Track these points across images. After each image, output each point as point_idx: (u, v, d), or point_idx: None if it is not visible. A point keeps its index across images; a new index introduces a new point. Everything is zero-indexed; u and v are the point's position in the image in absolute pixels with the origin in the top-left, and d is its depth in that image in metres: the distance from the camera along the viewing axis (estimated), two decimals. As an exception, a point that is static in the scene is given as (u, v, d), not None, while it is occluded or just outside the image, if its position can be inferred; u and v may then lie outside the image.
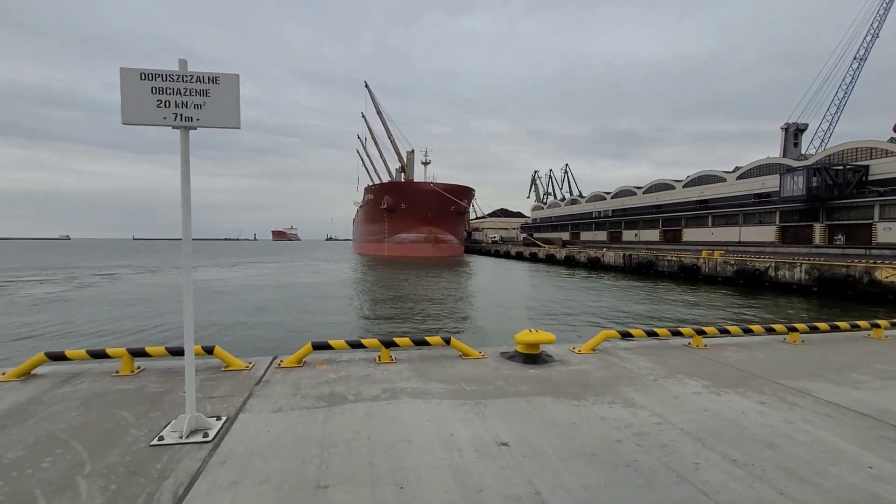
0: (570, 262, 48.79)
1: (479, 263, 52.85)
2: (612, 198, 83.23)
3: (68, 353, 3.89)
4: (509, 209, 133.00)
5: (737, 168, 58.26)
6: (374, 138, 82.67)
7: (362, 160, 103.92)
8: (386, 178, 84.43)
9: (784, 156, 57.32)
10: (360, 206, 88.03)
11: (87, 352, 3.93)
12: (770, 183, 50.61)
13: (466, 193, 72.17)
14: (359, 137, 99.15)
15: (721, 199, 58.09)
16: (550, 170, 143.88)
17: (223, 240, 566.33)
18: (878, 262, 23.58)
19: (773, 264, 25.21)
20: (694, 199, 62.61)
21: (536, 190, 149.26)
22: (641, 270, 36.79)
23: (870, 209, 40.96)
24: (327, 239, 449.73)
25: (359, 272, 39.05)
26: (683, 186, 65.35)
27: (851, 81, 60.43)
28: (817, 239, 44.74)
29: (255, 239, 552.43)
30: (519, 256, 63.23)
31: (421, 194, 65.54)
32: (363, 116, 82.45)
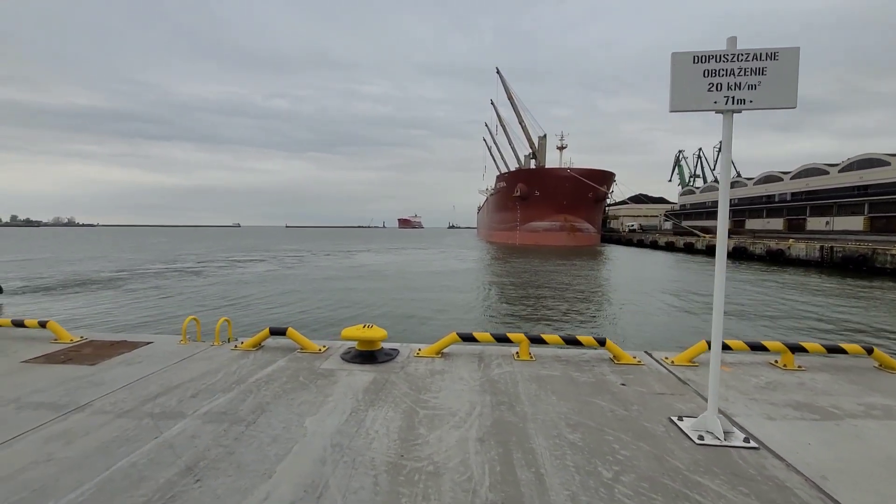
0: (739, 255, 42.54)
1: (623, 254, 49.33)
2: (791, 178, 69.98)
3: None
4: (649, 194, 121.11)
5: None
6: (503, 125, 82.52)
7: (489, 148, 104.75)
8: (514, 166, 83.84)
9: None
10: (491, 194, 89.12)
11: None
12: None
13: (606, 178, 67.80)
14: (486, 126, 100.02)
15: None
16: (700, 149, 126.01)
17: (356, 227, 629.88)
18: None
19: None
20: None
21: (681, 172, 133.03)
22: (849, 266, 30.29)
23: None
24: (449, 227, 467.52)
25: (499, 260, 39.62)
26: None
27: None
28: None
29: (383, 227, 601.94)
30: (669, 247, 57.35)
31: (556, 180, 63.58)
32: (492, 104, 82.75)
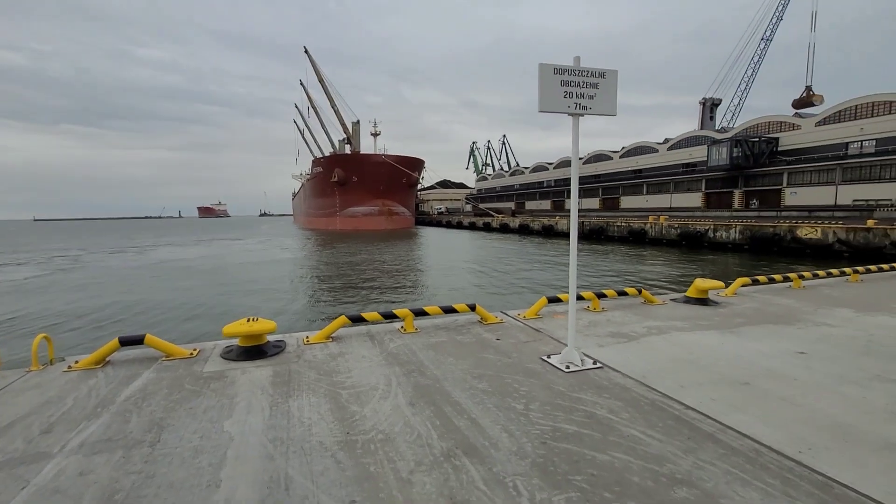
0: (523, 231, 51.30)
1: (435, 235, 53.78)
2: (554, 168, 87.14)
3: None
4: (452, 180, 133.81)
5: (667, 140, 63.48)
6: (314, 108, 78.71)
7: (301, 132, 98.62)
8: (329, 150, 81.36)
9: (701, 128, 63.51)
10: (307, 179, 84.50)
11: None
12: (697, 153, 56.07)
13: (417, 165, 71.99)
14: (297, 107, 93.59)
15: (654, 168, 63.34)
16: (489, 141, 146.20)
17: (144, 218, 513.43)
18: (799, 221, 27.97)
19: (711, 227, 28.84)
20: (630, 168, 67.59)
21: (475, 161, 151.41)
22: (593, 236, 39.93)
23: (779, 176, 47.19)
24: (261, 214, 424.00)
25: (324, 246, 38.39)
26: (620, 157, 70.10)
27: (759, 60, 67.60)
28: (736, 203, 50.87)
29: (180, 216, 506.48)
30: (472, 227, 65.00)
31: (373, 166, 64.45)
32: (302, 85, 77.86)
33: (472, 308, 5.02)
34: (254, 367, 3.77)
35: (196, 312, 13.17)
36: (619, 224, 37.99)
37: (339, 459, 2.37)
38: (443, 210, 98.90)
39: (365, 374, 3.59)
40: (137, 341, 3.91)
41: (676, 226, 31.64)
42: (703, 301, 5.93)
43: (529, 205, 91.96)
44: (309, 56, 70.48)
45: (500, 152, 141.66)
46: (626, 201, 67.41)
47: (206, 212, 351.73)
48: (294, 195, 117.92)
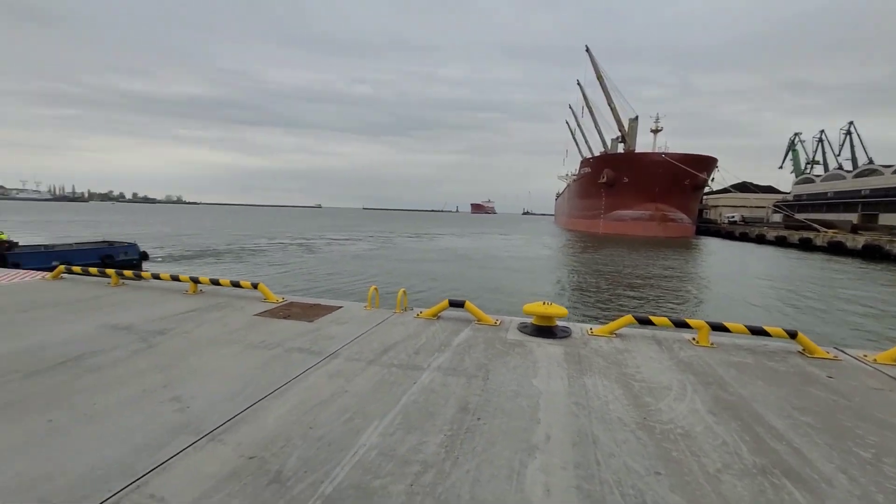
0: (871, 254, 37.39)
1: (726, 248, 45.53)
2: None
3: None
4: (751, 183, 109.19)
5: None
6: (589, 107, 78.90)
7: (572, 132, 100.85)
8: (600, 151, 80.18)
9: None
10: (573, 180, 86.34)
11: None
12: None
13: (707, 164, 62.53)
14: (570, 108, 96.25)
15: None
16: (822, 132, 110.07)
17: (429, 211, 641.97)
18: None
19: None
20: None
21: (795, 158, 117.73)
22: None
23: None
24: (524, 213, 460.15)
25: (585, 249, 38.56)
26: None
27: None
28: None
29: (456, 211, 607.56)
30: (780, 242, 51.84)
31: (648, 166, 59.86)
32: (579, 85, 79.29)
33: (793, 335, 4.31)
34: (546, 344, 4.45)
35: (475, 289, 15.81)
36: None
37: (638, 436, 2.65)
38: (736, 219, 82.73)
39: (655, 373, 3.71)
40: (460, 305, 5.22)
41: None
42: None
43: (885, 218, 66.08)
44: (590, 54, 71.28)
45: (841, 145, 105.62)
46: None
47: (477, 208, 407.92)
48: (558, 196, 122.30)
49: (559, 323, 4.94)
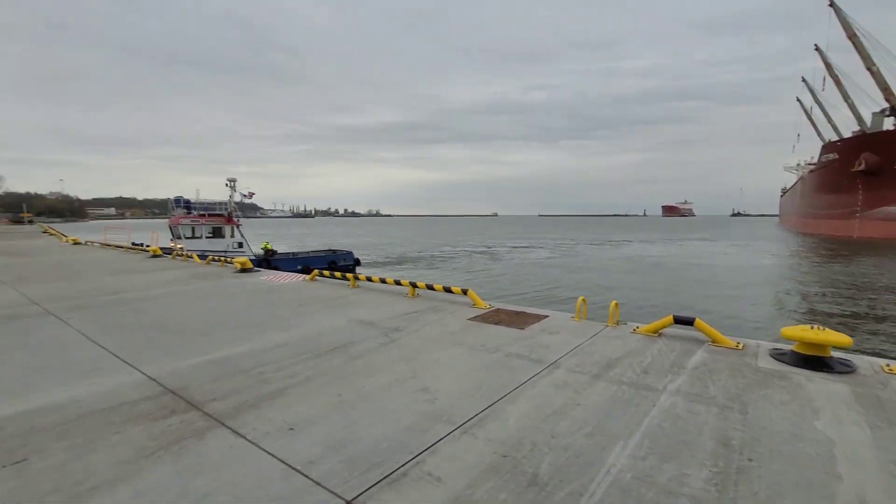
0: None
1: None
2: None
3: None
4: None
5: None
6: (834, 76, 62.53)
7: (807, 111, 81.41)
8: (852, 131, 62.66)
9: None
10: (809, 171, 69.92)
11: None
12: None
13: None
14: (804, 81, 77.88)
15: None
16: None
17: (612, 216, 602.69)
18: None
19: None
20: None
21: None
22: None
23: None
24: (733, 214, 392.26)
25: (840, 259, 30.56)
26: None
27: None
28: None
29: (644, 215, 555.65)
30: None
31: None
32: (818, 50, 63.68)
33: None
34: (820, 378, 3.62)
35: (678, 304, 14.05)
36: None
37: None
38: None
39: None
40: (688, 322, 4.68)
41: None
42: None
43: None
44: (835, 8, 56.75)
45: None
46: None
47: (669, 210, 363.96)
48: (783, 192, 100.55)
49: (835, 354, 3.97)
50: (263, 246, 25.20)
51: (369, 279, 8.16)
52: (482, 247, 45.52)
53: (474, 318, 5.69)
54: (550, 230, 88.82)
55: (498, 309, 6.21)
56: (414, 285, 7.23)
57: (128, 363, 4.26)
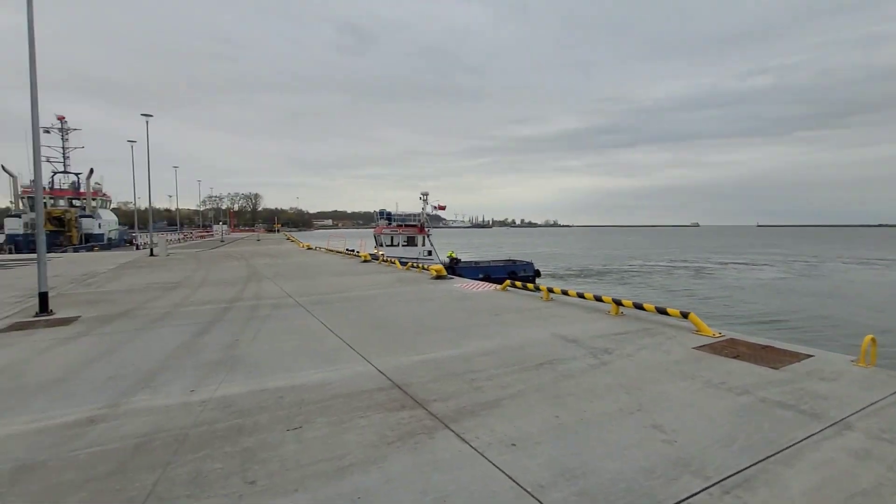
0: None
1: None
2: None
3: None
4: None
5: None
6: None
7: None
8: None
9: None
10: None
11: None
12: None
13: None
14: None
15: None
16: None
17: (863, 226, 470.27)
18: None
19: None
20: None
21: None
22: None
23: None
24: None
25: None
26: None
27: None
28: None
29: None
30: None
31: None
32: None
33: None
34: None
35: None
36: None
37: None
38: None
39: None
40: None
41: None
42: None
43: None
44: None
45: None
46: None
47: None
48: None
49: None
50: (449, 254, 27.18)
51: (565, 293, 7.87)
52: (681, 262, 40.31)
53: (701, 348, 4.89)
54: (775, 243, 73.67)
55: (732, 339, 5.24)
56: (618, 303, 6.67)
57: (361, 355, 4.91)
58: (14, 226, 32.68)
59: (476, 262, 29.48)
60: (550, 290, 8.02)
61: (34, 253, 7.32)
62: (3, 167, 35.30)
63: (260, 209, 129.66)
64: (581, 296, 7.48)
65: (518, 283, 9.19)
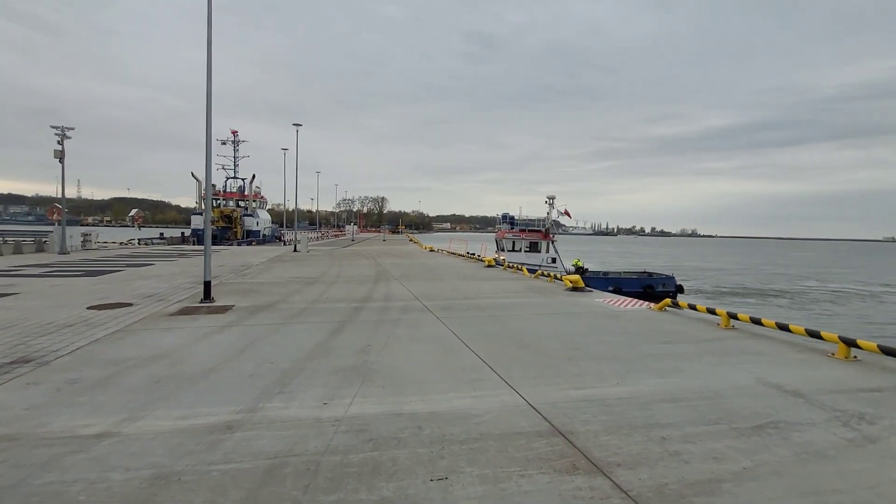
0: None
1: None
2: None
3: None
4: None
5: None
6: None
7: None
8: None
9: None
10: None
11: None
12: None
13: None
14: None
15: None
16: None
17: None
18: None
19: None
20: None
21: None
22: None
23: None
24: None
25: None
26: None
27: None
28: None
29: None
30: None
31: None
32: None
33: None
34: None
35: None
36: None
37: None
38: None
39: None
40: None
41: None
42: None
43: None
44: None
45: None
46: None
47: None
48: None
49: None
50: (575, 263, 25.37)
51: (757, 321, 6.18)
52: (879, 285, 32.49)
53: None
54: None
55: None
56: (849, 343, 4.94)
57: (504, 380, 4.17)
58: (198, 222, 39.22)
59: (605, 273, 27.07)
60: (733, 316, 6.43)
61: (212, 245, 8.19)
62: (192, 174, 42.66)
63: (385, 211, 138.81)
64: (784, 328, 5.79)
65: (683, 304, 7.66)
